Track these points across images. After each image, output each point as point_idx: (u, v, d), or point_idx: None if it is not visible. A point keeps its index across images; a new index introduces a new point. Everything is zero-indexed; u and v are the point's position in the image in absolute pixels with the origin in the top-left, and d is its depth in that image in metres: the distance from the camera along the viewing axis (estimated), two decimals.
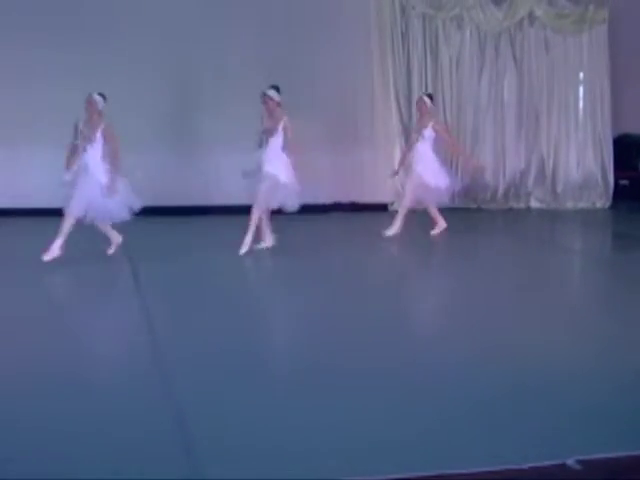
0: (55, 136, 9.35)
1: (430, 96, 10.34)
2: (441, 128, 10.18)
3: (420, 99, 10.28)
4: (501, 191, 13.12)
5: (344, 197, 12.15)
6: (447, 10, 12.76)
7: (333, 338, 5.71)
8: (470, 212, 12.65)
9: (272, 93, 8.77)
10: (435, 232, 9.95)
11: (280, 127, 8.68)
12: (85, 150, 8.12)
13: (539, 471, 3.46)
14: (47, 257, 7.84)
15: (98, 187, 8.02)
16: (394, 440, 3.81)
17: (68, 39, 11.09)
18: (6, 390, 4.48)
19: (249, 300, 7.12)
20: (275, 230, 9.07)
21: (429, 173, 9.80)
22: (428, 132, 9.81)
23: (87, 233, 8.33)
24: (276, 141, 8.73)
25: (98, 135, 8.10)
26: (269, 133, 8.77)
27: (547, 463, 3.51)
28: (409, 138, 10.44)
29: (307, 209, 11.24)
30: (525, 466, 3.47)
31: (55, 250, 7.89)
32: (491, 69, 12.98)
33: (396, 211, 10.62)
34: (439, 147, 10.12)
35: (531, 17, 13.03)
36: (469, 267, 8.67)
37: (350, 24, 12.19)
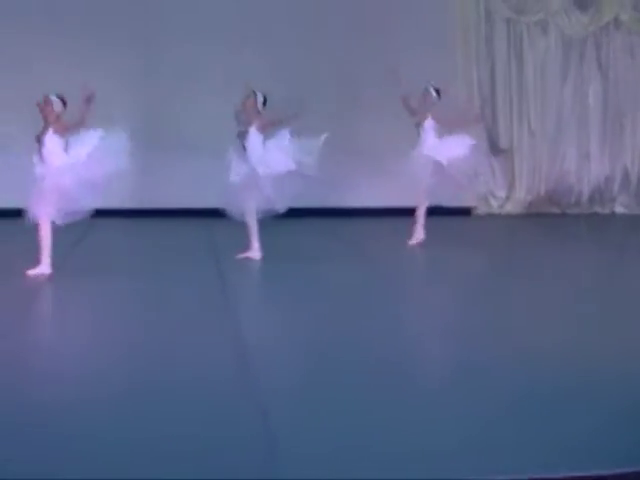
0: None
1: (437, 90, 9.80)
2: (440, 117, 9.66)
3: (425, 90, 9.79)
4: (586, 196, 13.07)
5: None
6: (531, 15, 12.77)
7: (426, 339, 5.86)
8: (554, 217, 12.60)
9: (259, 96, 8.53)
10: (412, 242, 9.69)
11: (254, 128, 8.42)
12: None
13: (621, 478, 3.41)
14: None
15: None
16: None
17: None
18: (99, 389, 4.56)
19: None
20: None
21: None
22: (428, 123, 9.57)
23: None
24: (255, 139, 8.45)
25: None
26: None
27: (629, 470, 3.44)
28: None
29: (392, 212, 11.51)
30: (606, 472, 3.42)
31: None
32: (576, 74, 12.95)
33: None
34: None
35: (617, 22, 12.96)
36: (566, 276, 8.29)
37: (434, 29, 12.27)
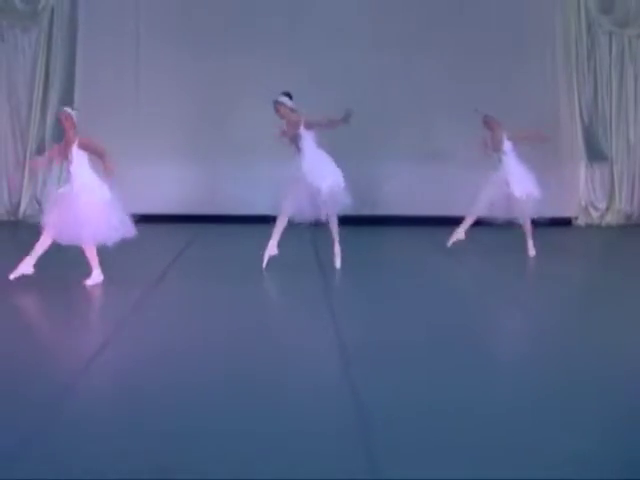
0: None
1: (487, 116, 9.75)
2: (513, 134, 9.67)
3: (485, 116, 9.74)
4: None
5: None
6: (634, 27, 12.84)
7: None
8: None
9: (284, 99, 8.35)
10: None
11: (302, 129, 8.30)
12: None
13: None
14: None
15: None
16: None
17: None
18: (202, 390, 4.72)
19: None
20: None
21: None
22: (507, 145, 9.58)
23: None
24: (305, 146, 8.37)
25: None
26: (295, 139, 8.38)
27: None
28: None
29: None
30: None
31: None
32: None
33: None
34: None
35: None
36: None
37: (535, 41, 12.53)
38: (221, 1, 12.36)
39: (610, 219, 12.90)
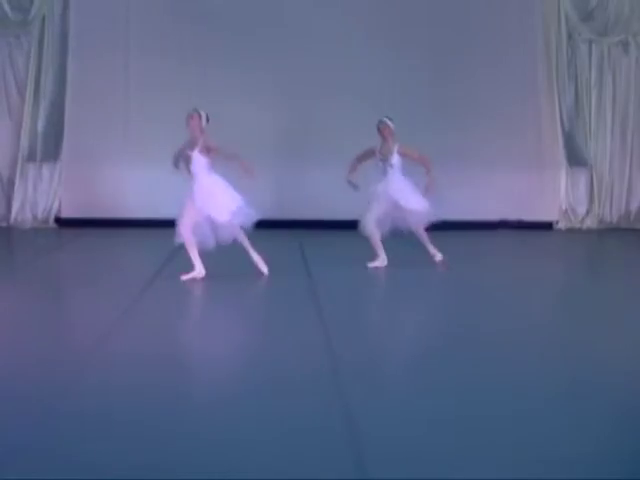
0: None
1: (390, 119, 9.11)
2: (407, 149, 9.04)
3: (382, 122, 9.05)
4: None
5: (511, 215, 12.77)
6: (613, 36, 13.15)
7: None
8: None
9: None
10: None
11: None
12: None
13: None
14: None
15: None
16: None
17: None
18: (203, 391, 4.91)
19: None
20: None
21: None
22: (395, 158, 8.95)
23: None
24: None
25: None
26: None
27: None
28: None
29: (474, 225, 12.09)
30: None
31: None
32: None
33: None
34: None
35: None
36: None
37: (517, 49, 12.82)
38: (216, 13, 12.48)
39: (590, 223, 13.17)
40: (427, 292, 8.59)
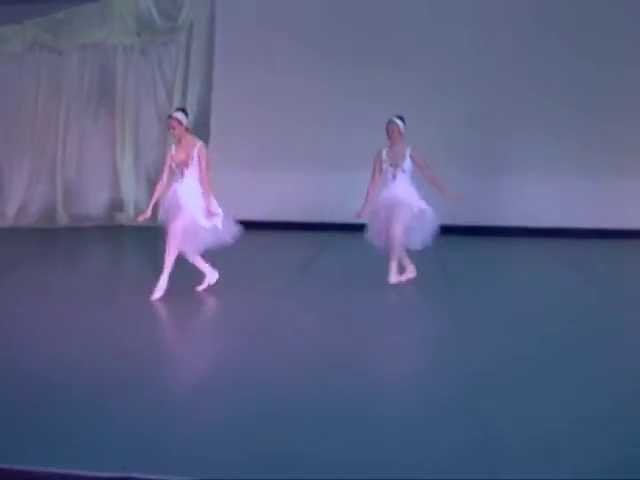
0: None
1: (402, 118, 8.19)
2: (419, 155, 8.07)
3: (391, 122, 8.13)
4: None
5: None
6: None
7: None
8: None
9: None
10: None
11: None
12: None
13: None
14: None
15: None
16: None
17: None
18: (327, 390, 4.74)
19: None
20: None
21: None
22: (407, 163, 8.02)
23: None
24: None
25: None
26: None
27: None
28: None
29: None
30: None
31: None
32: None
33: None
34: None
35: None
36: None
37: None
38: (348, 16, 12.65)
39: None
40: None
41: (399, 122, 8.02)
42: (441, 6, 12.36)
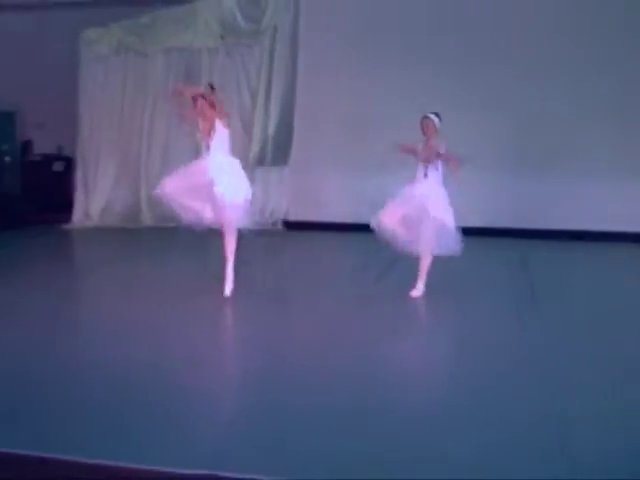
0: None
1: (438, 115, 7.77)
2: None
3: (425, 118, 7.73)
4: None
5: None
6: None
7: None
8: None
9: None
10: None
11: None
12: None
13: None
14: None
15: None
16: None
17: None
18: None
19: None
20: None
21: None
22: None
23: None
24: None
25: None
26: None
27: None
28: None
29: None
30: None
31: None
32: None
33: None
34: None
35: None
36: None
37: None
38: (430, 17, 12.57)
39: None
40: None
41: (434, 118, 7.67)
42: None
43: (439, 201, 7.49)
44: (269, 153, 12.84)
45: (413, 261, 7.66)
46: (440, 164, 7.53)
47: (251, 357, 5.72)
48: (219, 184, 7.23)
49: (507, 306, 7.29)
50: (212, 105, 7.40)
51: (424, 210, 7.39)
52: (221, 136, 7.42)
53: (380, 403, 4.55)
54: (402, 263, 8.05)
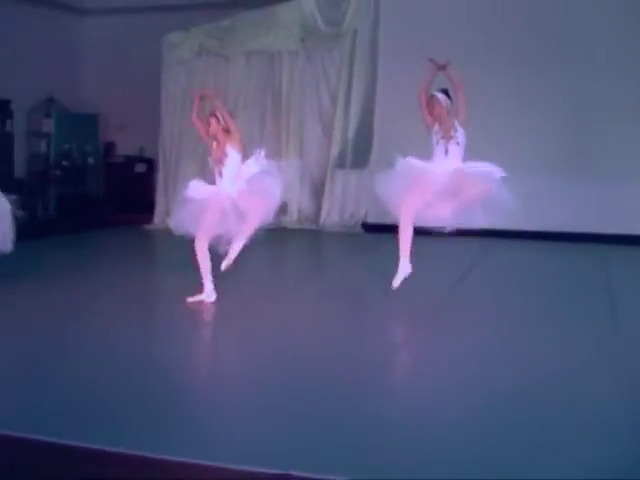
0: None
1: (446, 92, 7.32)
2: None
3: (433, 97, 7.31)
4: None
5: None
6: None
7: None
8: None
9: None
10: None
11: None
12: None
13: None
14: None
15: None
16: None
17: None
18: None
19: None
20: None
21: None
22: (460, 134, 7.18)
23: None
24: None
25: None
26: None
27: None
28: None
29: None
30: None
31: None
32: None
33: None
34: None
35: None
36: None
37: None
38: (514, 18, 12.43)
39: None
40: None
41: (440, 96, 7.23)
42: None
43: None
44: (349, 156, 12.87)
45: (491, 263, 7.62)
46: (462, 134, 7.10)
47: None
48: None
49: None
50: (226, 131, 7.17)
51: (473, 179, 6.92)
52: (233, 163, 7.17)
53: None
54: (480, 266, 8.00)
